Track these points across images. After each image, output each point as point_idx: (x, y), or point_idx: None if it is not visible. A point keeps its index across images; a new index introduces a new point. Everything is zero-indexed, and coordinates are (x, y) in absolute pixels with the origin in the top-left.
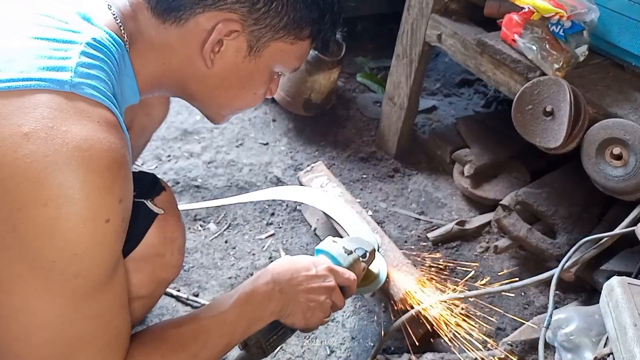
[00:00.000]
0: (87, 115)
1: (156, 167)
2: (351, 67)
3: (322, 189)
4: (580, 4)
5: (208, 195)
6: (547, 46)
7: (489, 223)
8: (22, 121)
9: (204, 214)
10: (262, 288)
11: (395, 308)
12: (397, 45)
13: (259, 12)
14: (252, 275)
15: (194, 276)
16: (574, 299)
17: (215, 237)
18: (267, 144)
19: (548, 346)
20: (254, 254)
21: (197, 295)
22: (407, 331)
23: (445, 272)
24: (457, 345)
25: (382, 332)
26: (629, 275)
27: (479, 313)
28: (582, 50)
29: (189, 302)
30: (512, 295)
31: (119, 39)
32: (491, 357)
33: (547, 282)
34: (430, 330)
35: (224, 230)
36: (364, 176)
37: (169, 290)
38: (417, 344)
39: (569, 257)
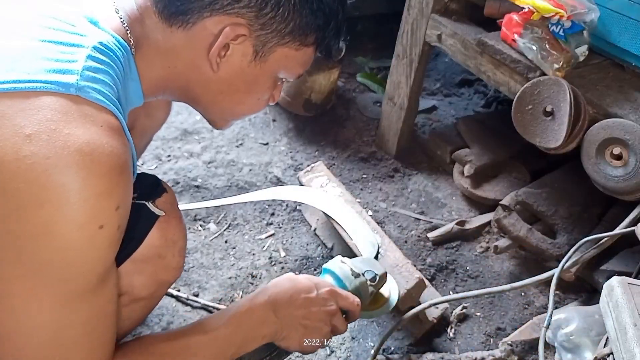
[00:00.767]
0: (91, 119)
1: (156, 167)
2: (351, 67)
3: (322, 189)
4: (580, 4)
5: (208, 195)
6: (547, 46)
7: (489, 223)
8: (25, 122)
9: (204, 214)
10: (258, 310)
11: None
12: (397, 45)
13: (266, 17)
14: (252, 275)
15: (194, 276)
16: (574, 299)
17: (215, 237)
18: (267, 144)
19: (548, 346)
20: (254, 254)
21: (197, 295)
22: (408, 331)
23: (445, 272)
24: (458, 345)
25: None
26: (629, 275)
27: (479, 313)
28: (582, 50)
29: (188, 302)
30: (512, 295)
31: (125, 43)
32: (491, 357)
33: (547, 282)
34: (430, 330)
35: (224, 230)
36: (364, 176)
37: (168, 290)
38: (417, 344)
39: (569, 257)
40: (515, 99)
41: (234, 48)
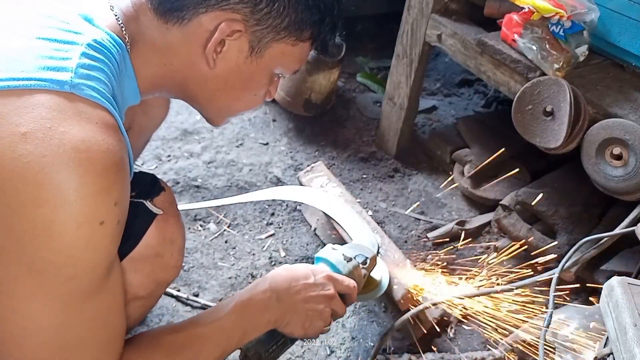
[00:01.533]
0: (86, 117)
1: (156, 167)
2: (351, 67)
3: (322, 189)
4: (580, 4)
5: (208, 195)
6: (547, 46)
7: (489, 223)
8: (21, 121)
9: (204, 214)
10: (259, 296)
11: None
12: (397, 45)
13: (262, 13)
14: (252, 275)
15: (194, 276)
16: (574, 299)
17: (215, 237)
18: (267, 144)
19: (548, 346)
20: (254, 254)
21: (197, 295)
22: (408, 331)
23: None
24: (458, 345)
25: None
26: (629, 275)
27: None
28: (582, 50)
29: (189, 302)
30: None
31: (120, 40)
32: (491, 357)
33: (547, 282)
34: (430, 330)
35: (224, 230)
36: (364, 176)
37: (168, 290)
38: (417, 343)
39: (569, 257)
40: (515, 99)
41: (230, 44)
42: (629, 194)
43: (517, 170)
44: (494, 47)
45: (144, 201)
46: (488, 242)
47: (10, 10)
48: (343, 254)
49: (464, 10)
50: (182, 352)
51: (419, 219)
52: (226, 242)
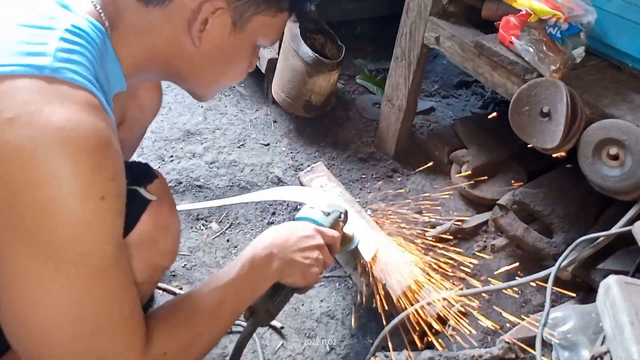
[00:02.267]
0: (68, 98)
1: (159, 167)
2: (351, 69)
3: (322, 189)
4: (577, 6)
5: (210, 195)
6: (544, 48)
7: (486, 222)
8: (4, 107)
9: (206, 214)
10: (261, 253)
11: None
12: (395, 48)
13: None
14: None
15: (196, 274)
16: (570, 298)
17: (217, 236)
18: (268, 144)
19: (545, 344)
20: None
21: None
22: (406, 328)
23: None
24: (456, 343)
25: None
26: (625, 274)
27: (476, 311)
28: (579, 52)
29: None
30: (509, 293)
31: (100, 25)
32: (489, 354)
33: (544, 281)
34: (428, 327)
35: (226, 229)
36: (363, 176)
37: (171, 288)
38: (416, 341)
39: (566, 256)
40: (512, 100)
41: (213, 21)
42: (625, 194)
43: (520, 183)
44: (491, 49)
45: (138, 188)
46: (485, 240)
47: None
48: (322, 211)
49: (462, 12)
50: (204, 315)
51: (417, 219)
52: (228, 241)
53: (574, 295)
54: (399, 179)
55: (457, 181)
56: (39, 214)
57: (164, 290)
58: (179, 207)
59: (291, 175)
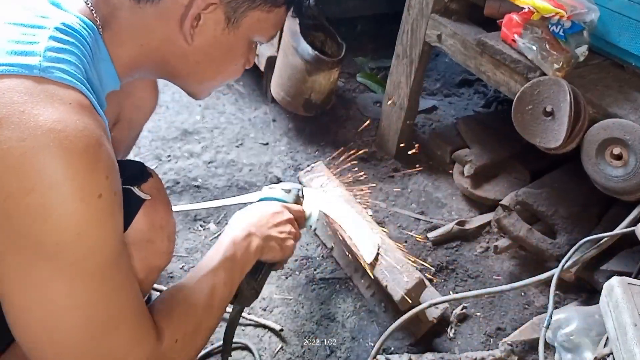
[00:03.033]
0: (58, 98)
1: (156, 167)
2: (351, 67)
3: (322, 189)
4: (580, 4)
5: (208, 195)
6: (547, 46)
7: (489, 223)
8: None
9: (204, 214)
10: (240, 234)
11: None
12: (397, 45)
13: None
14: None
15: None
16: (574, 299)
17: (216, 236)
18: (267, 144)
19: (548, 346)
20: None
21: None
22: (408, 331)
23: (445, 272)
24: (458, 345)
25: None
26: (629, 275)
27: (479, 313)
28: (582, 51)
29: None
30: (512, 295)
31: (91, 23)
32: (491, 357)
33: (547, 282)
34: (430, 330)
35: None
36: (364, 176)
37: None
38: (417, 344)
39: (569, 257)
40: (515, 99)
41: (206, 17)
42: (629, 194)
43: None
44: (493, 47)
45: (132, 187)
46: (488, 242)
47: None
48: (282, 189)
49: (464, 10)
50: (197, 303)
51: (419, 219)
52: None
53: (577, 296)
54: (400, 179)
55: (459, 181)
56: (35, 219)
57: (162, 292)
58: (176, 208)
59: (290, 175)
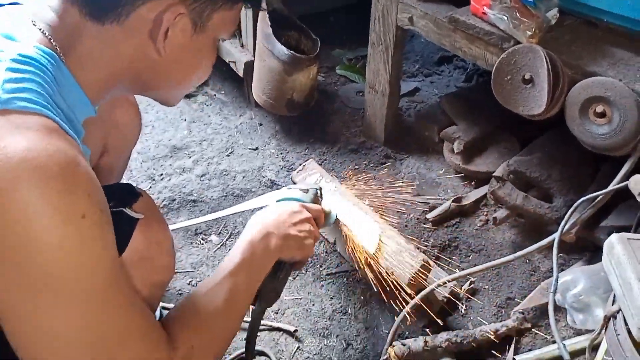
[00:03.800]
0: (25, 127)
1: (150, 187)
2: (329, 60)
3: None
4: None
5: (205, 208)
6: (518, 14)
7: (485, 196)
8: None
9: (204, 227)
10: (258, 235)
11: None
12: (370, 33)
13: None
14: None
15: None
16: (578, 259)
17: (219, 248)
18: (256, 148)
19: (559, 309)
20: None
21: None
22: (420, 314)
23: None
24: (470, 320)
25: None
26: (628, 228)
27: (487, 286)
28: (552, 14)
29: None
30: (517, 264)
31: (51, 51)
32: (505, 327)
33: (549, 247)
34: (442, 309)
35: (226, 240)
36: (357, 167)
37: None
38: (430, 325)
39: (568, 219)
40: (493, 71)
41: (174, 27)
42: (617, 149)
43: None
44: (465, 22)
45: (123, 209)
46: (486, 215)
47: None
48: (300, 189)
49: None
50: (217, 307)
51: (416, 202)
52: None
53: (581, 256)
54: (392, 165)
55: (450, 159)
56: (23, 253)
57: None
58: (176, 225)
59: (284, 176)
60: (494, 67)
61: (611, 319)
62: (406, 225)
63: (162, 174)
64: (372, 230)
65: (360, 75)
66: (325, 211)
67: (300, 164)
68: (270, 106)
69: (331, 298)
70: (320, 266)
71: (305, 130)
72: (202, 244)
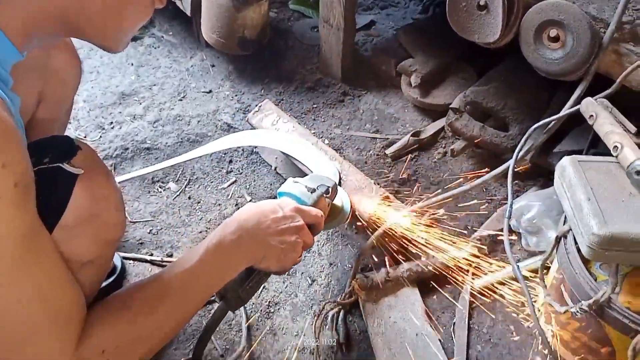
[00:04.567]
0: None
1: (100, 136)
2: None
3: (273, 128)
4: None
5: (161, 156)
6: None
7: (442, 129)
8: None
9: (161, 175)
10: (229, 237)
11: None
12: None
13: None
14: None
15: (164, 238)
16: (533, 186)
17: (177, 195)
18: (210, 91)
19: (515, 234)
20: (220, 204)
21: (171, 256)
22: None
23: (408, 184)
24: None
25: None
26: (581, 152)
27: (445, 217)
28: None
29: (164, 264)
30: (475, 192)
31: None
32: (464, 253)
33: (505, 175)
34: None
35: (185, 187)
36: (314, 106)
37: (141, 256)
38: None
39: (522, 147)
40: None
41: None
42: (570, 73)
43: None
44: None
45: (61, 164)
46: (444, 147)
47: None
48: (306, 186)
49: None
50: (156, 307)
51: (375, 138)
52: (189, 198)
53: (536, 182)
54: (350, 102)
55: (408, 93)
56: None
57: (134, 259)
58: (131, 175)
59: (240, 118)
60: None
61: (562, 238)
62: (366, 162)
63: (112, 123)
64: (331, 168)
65: (314, 10)
66: (336, 208)
67: (256, 105)
68: (221, 45)
69: None
70: None
71: (259, 69)
72: (160, 192)
